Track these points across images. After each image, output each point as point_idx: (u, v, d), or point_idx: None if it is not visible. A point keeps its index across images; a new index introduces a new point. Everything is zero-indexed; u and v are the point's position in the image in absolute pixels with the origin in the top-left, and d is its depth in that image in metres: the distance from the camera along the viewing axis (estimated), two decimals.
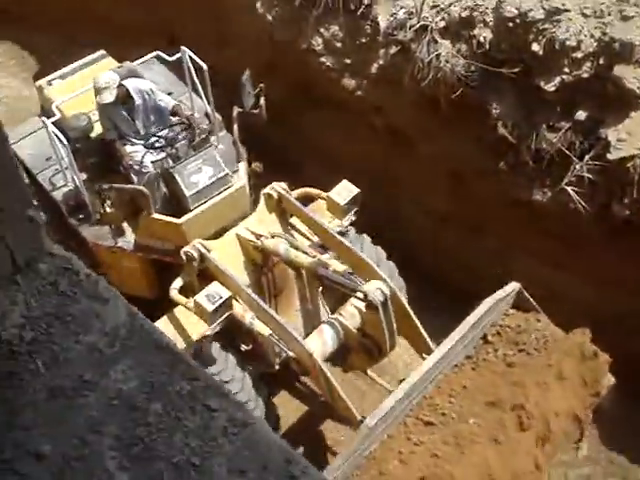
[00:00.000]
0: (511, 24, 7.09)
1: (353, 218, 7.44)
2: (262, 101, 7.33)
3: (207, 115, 7.53)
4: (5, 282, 1.75)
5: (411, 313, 6.82)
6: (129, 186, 7.19)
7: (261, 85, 7.32)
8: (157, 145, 7.36)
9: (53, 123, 7.10)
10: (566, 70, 7.00)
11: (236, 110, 7.35)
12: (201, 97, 7.38)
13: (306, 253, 6.88)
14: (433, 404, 6.31)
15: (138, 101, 7.27)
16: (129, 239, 7.50)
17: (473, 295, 8.84)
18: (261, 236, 7.04)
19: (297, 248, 6.94)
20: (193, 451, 1.41)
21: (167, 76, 8.01)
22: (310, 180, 8.41)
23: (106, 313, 1.69)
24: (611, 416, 8.27)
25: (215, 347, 6.88)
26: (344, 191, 7.27)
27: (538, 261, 8.11)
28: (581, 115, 7.07)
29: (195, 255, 6.81)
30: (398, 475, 5.81)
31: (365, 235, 7.71)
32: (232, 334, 6.99)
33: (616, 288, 7.68)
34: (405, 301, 6.84)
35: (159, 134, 7.37)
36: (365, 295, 6.34)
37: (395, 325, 6.53)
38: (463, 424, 6.09)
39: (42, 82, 8.18)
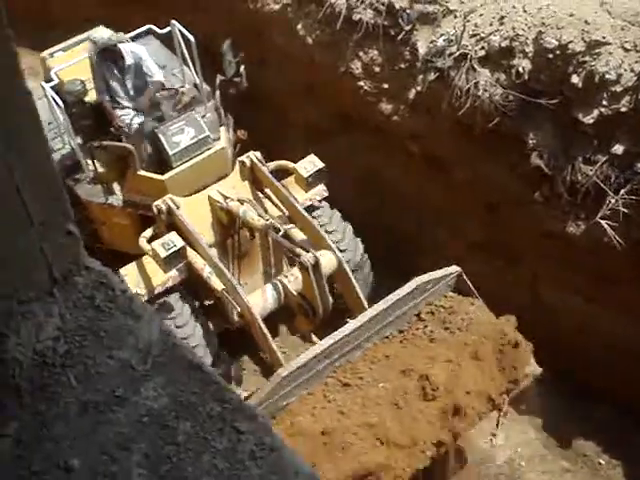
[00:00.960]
0: (551, 55, 7.08)
1: (325, 194, 8.14)
2: (242, 69, 7.85)
3: (196, 86, 7.99)
4: (42, 294, 1.77)
5: (356, 287, 7.39)
6: (116, 143, 7.78)
7: (241, 54, 7.86)
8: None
9: (51, 88, 7.75)
10: (604, 103, 6.97)
11: (218, 78, 7.88)
12: (190, 68, 7.95)
13: (262, 217, 7.42)
14: (355, 368, 6.74)
15: (129, 61, 7.82)
16: (119, 197, 8.13)
17: None
18: (228, 198, 7.64)
19: (260, 215, 7.47)
20: (221, 473, 1.41)
21: (161, 50, 8.57)
22: (344, 202, 8.51)
23: (139, 330, 1.70)
24: (636, 454, 8.20)
25: (174, 297, 7.56)
26: (309, 164, 7.82)
27: (570, 293, 8.05)
28: (618, 149, 7.02)
29: (164, 208, 7.45)
30: (304, 426, 6.30)
31: (336, 210, 8.29)
32: (196, 288, 7.73)
33: None
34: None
35: (145, 97, 7.90)
36: (298, 257, 7.05)
37: (327, 288, 7.19)
38: (373, 388, 6.55)
39: (45, 54, 8.77)
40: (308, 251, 7.10)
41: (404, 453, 6.36)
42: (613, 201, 6.96)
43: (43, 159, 1.63)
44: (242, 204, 7.55)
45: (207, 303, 7.94)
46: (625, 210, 6.90)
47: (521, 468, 8.36)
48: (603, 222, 7.01)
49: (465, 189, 8.17)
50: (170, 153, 7.56)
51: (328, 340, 6.65)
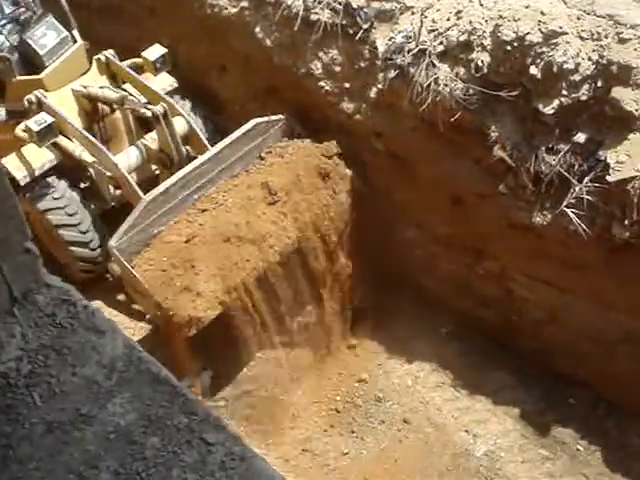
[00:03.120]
0: (509, 47, 7.12)
1: (175, 85, 9.14)
2: None
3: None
4: (2, 314, 1.74)
5: (200, 134, 8.62)
6: None
7: None
8: (6, 24, 8.90)
9: None
10: (564, 93, 7.01)
11: None
12: None
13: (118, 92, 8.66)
14: (210, 197, 8.06)
15: None
16: (2, 113, 9.04)
17: (479, 319, 8.89)
18: (89, 86, 8.82)
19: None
20: None
21: None
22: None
23: (103, 345, 1.68)
24: (614, 439, 8.28)
25: (62, 185, 8.66)
26: (154, 51, 8.95)
27: (540, 284, 8.10)
28: (580, 137, 7.08)
29: (34, 100, 8.55)
30: (171, 238, 7.71)
31: (187, 100, 9.34)
32: (74, 173, 8.79)
33: (616, 310, 7.68)
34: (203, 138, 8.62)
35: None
36: (150, 110, 8.27)
37: (179, 139, 8.36)
38: (225, 204, 8.02)
39: None
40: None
41: (256, 248, 7.85)
42: (577, 189, 7.00)
43: None
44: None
45: (83, 186, 8.94)
46: (590, 198, 6.95)
47: (501, 459, 8.40)
48: (568, 211, 7.05)
49: (430, 184, 8.19)
50: (41, 54, 8.74)
51: (182, 171, 7.98)
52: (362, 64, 8.10)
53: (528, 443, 8.49)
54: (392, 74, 7.78)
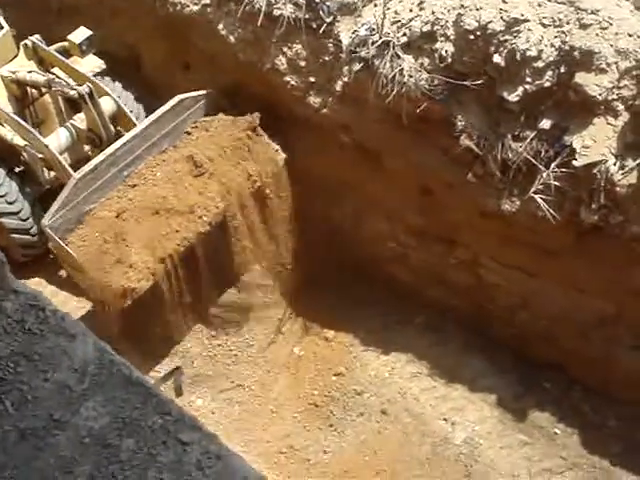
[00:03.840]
0: (472, 37, 7.14)
1: (103, 67, 9.23)
2: None
3: None
4: None
5: (129, 113, 8.79)
6: None
7: None
8: None
9: None
10: (528, 80, 7.05)
11: None
12: None
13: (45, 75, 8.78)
14: (140, 173, 8.25)
15: None
16: None
17: (452, 308, 8.94)
18: (17, 71, 8.92)
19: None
20: None
21: None
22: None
23: (74, 349, 1.66)
24: (590, 421, 8.38)
25: (1, 173, 8.77)
26: (80, 33, 8.95)
27: (511, 270, 8.16)
28: (545, 124, 7.12)
29: None
30: (103, 214, 7.99)
31: (117, 82, 9.43)
32: (9, 160, 8.89)
33: (587, 293, 7.76)
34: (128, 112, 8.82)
35: None
36: (76, 90, 8.37)
37: (107, 118, 8.57)
38: (153, 179, 8.21)
39: None
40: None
41: (184, 218, 8.04)
42: (545, 175, 7.05)
43: None
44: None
45: (17, 170, 9.05)
46: (557, 183, 7.01)
47: (480, 446, 8.47)
48: (537, 197, 7.10)
49: (399, 176, 8.21)
50: None
51: (110, 149, 8.13)
52: (327, 58, 8.09)
53: (506, 429, 8.56)
54: (357, 67, 7.78)
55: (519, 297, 8.33)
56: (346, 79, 7.96)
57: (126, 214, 7.96)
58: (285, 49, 8.25)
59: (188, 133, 8.62)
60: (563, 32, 6.98)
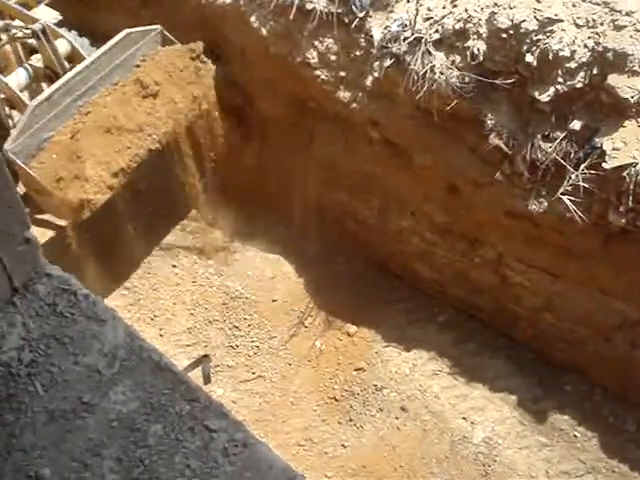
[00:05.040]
0: (504, 35, 7.11)
1: (60, 17, 9.63)
2: None
3: None
4: (3, 304, 1.74)
5: (83, 52, 9.03)
6: None
7: None
8: None
9: None
10: (560, 80, 7.02)
11: None
12: None
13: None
14: (93, 102, 8.68)
15: None
16: None
17: (475, 307, 8.93)
18: None
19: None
20: (194, 472, 1.41)
21: None
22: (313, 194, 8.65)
23: (104, 334, 1.69)
24: (610, 425, 8.33)
25: None
26: None
27: (536, 271, 8.12)
28: (576, 125, 7.08)
29: None
30: (59, 139, 8.38)
31: (74, 30, 9.63)
32: None
33: (611, 297, 7.71)
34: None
35: None
36: (30, 29, 8.77)
37: (62, 56, 8.95)
38: (104, 104, 8.67)
39: None
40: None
41: (134, 136, 8.50)
42: (573, 176, 7.01)
43: None
44: None
45: None
46: (586, 185, 6.97)
47: (499, 446, 8.45)
48: (565, 198, 7.07)
49: (426, 173, 8.20)
50: None
51: (63, 78, 8.55)
52: (358, 53, 8.09)
53: (525, 430, 8.53)
54: (388, 62, 7.78)
55: (543, 298, 8.29)
56: (377, 74, 7.96)
57: (80, 134, 8.42)
58: (316, 43, 8.26)
59: (137, 66, 9.06)
60: (597, 33, 6.93)
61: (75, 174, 8.22)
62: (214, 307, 9.54)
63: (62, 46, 9.10)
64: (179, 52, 9.07)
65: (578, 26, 7.03)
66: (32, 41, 8.99)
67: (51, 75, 9.09)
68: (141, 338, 1.68)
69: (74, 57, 9.14)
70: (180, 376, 1.57)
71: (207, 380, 8.78)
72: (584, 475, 8.21)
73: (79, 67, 8.71)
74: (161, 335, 9.29)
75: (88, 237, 8.80)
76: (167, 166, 9.15)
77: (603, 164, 6.85)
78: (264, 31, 8.51)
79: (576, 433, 8.38)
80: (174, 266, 9.84)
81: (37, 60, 9.16)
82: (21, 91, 8.96)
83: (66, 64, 9.04)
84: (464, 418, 8.62)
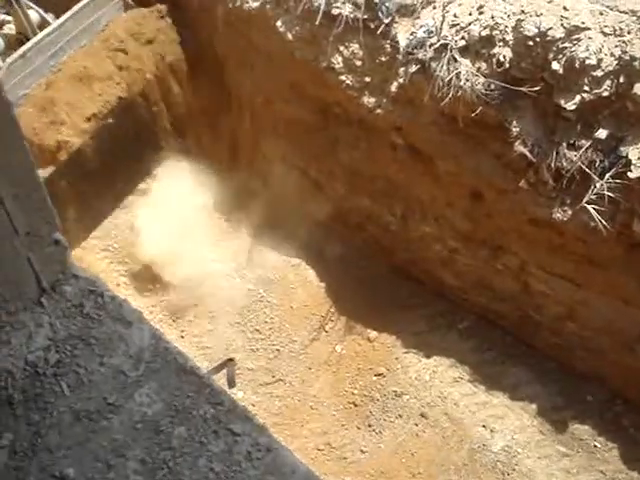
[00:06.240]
0: (531, 43, 7.08)
1: None
2: None
3: None
4: (31, 304, 1.76)
5: (52, 21, 9.32)
6: None
7: None
8: None
9: None
10: (586, 88, 6.98)
11: None
12: None
13: None
14: (64, 62, 9.05)
15: None
16: None
17: (497, 314, 8.89)
18: None
19: None
20: (217, 476, 1.42)
21: None
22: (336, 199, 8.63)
23: (130, 336, 1.70)
24: (631, 436, 8.27)
25: None
26: None
27: (558, 280, 8.08)
28: (602, 133, 7.04)
29: None
30: (35, 93, 8.82)
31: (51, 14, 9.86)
32: None
33: (634, 306, 7.65)
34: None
35: None
36: None
37: (34, 23, 9.19)
38: (73, 62, 9.07)
39: None
40: None
41: (105, 84, 9.08)
42: (598, 185, 6.97)
43: (26, 170, 1.63)
44: None
45: None
46: (610, 194, 6.92)
47: (518, 455, 8.41)
48: (589, 207, 7.02)
49: (450, 179, 8.18)
50: None
51: (35, 38, 8.89)
52: (383, 58, 8.08)
53: (545, 439, 8.49)
54: (413, 68, 7.77)
55: (565, 307, 8.25)
56: (401, 80, 7.95)
57: (53, 85, 8.90)
58: (342, 48, 8.27)
59: (103, 30, 9.53)
60: (624, 42, 6.88)
61: (51, 119, 8.69)
62: (235, 310, 9.57)
63: (34, 15, 9.45)
64: (145, 13, 9.60)
65: (605, 34, 6.98)
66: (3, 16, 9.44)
67: (23, 40, 9.42)
68: (166, 340, 1.70)
69: (43, 27, 9.47)
70: (205, 379, 1.58)
71: (232, 384, 8.82)
72: None
73: (49, 29, 9.12)
74: (182, 337, 9.33)
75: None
76: (138, 114, 9.64)
77: (628, 173, 6.80)
78: (290, 36, 8.53)
79: (596, 443, 8.33)
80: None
81: (9, 29, 9.50)
82: None
83: (38, 31, 9.38)
84: (484, 426, 8.59)
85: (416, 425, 8.69)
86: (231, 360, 9.01)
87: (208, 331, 9.44)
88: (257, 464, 1.41)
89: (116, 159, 9.67)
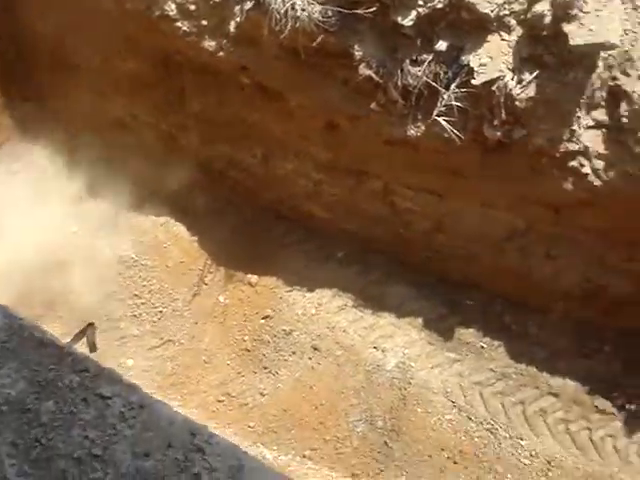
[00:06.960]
0: None
1: None
2: None
3: None
4: None
5: None
6: None
7: None
8: None
9: None
10: (420, 2, 7.03)
11: None
12: None
13: None
14: None
15: None
16: None
17: (371, 239, 9.04)
18: None
19: None
20: (93, 442, 1.37)
21: None
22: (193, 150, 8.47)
23: None
24: (514, 332, 8.65)
25: None
26: None
27: (422, 194, 8.25)
28: (441, 45, 7.13)
29: None
30: None
31: None
32: None
33: (498, 209, 7.92)
34: None
35: None
36: None
37: None
38: None
39: None
40: None
41: None
42: (446, 97, 7.08)
43: None
44: None
45: None
46: (459, 104, 7.06)
47: (412, 368, 8.66)
48: (440, 119, 7.14)
49: (303, 113, 8.16)
50: None
51: None
52: None
53: (435, 349, 8.77)
54: (248, 5, 7.63)
55: (433, 220, 8.45)
56: (238, 19, 7.81)
57: None
58: None
59: None
60: None
61: None
62: (109, 279, 9.37)
63: None
64: None
65: None
66: None
67: None
68: (20, 317, 1.61)
69: None
70: (65, 349, 1.52)
71: (93, 348, 8.68)
72: (495, 382, 8.52)
73: None
74: (60, 316, 9.07)
75: None
76: None
77: (472, 81, 6.94)
78: None
79: (483, 344, 8.67)
80: None
81: None
82: None
83: None
84: (375, 347, 8.79)
85: (310, 359, 8.81)
86: (91, 325, 8.82)
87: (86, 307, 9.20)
88: (132, 423, 1.37)
89: None
